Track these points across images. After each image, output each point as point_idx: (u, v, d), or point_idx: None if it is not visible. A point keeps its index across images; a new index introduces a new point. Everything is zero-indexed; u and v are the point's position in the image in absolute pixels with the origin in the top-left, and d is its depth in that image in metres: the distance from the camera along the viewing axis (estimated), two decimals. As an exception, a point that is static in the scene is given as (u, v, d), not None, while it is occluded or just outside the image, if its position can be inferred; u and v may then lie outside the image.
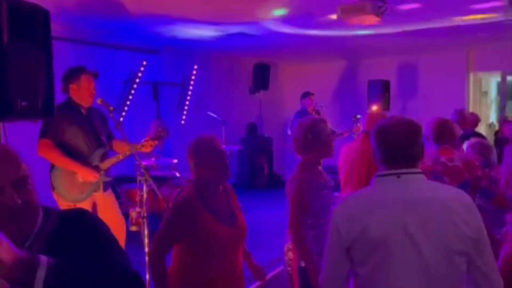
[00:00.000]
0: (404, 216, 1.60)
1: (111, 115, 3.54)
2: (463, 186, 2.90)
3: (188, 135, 7.67)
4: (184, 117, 7.87)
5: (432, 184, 1.74)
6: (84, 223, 1.33)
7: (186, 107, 7.90)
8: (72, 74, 3.59)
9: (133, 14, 5.15)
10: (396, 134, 1.70)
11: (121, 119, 6.64)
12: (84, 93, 3.59)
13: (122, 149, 3.72)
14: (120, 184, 5.82)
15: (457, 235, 1.57)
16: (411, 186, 1.66)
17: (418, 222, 1.59)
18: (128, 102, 6.86)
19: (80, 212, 1.41)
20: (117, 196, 4.48)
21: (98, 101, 3.52)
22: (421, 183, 1.68)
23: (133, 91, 6.90)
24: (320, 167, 2.76)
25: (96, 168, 3.60)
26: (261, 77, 8.84)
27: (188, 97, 7.91)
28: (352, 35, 6.52)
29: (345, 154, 3.68)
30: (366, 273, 1.66)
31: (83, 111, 3.63)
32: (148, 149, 3.78)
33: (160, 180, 5.69)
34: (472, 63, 8.48)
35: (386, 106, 7.57)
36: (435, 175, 2.85)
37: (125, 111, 6.81)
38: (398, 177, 1.67)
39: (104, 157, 3.69)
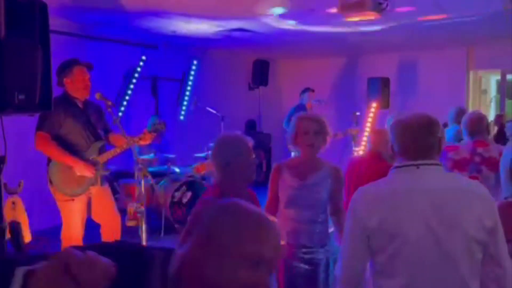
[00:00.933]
0: (423, 205, 1.64)
1: (109, 110, 3.52)
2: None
3: (187, 130, 7.62)
4: (183, 112, 7.85)
5: (449, 175, 1.81)
6: None
7: (185, 103, 7.88)
8: (65, 67, 3.54)
9: (132, 9, 5.13)
10: (416, 125, 1.76)
11: (120, 114, 6.62)
12: (78, 86, 3.54)
13: (119, 142, 3.70)
14: (118, 179, 5.80)
15: (474, 224, 1.61)
16: (430, 176, 1.71)
17: (436, 211, 1.63)
18: (127, 98, 6.84)
19: None
20: (115, 192, 4.47)
21: (97, 96, 3.50)
22: (439, 173, 1.73)
23: (132, 86, 6.88)
24: (310, 162, 2.78)
25: (94, 162, 3.58)
26: (261, 73, 8.82)
27: (187, 93, 7.90)
28: (352, 32, 6.50)
29: (351, 169, 3.65)
30: (384, 261, 1.69)
31: (80, 105, 3.61)
32: (146, 141, 3.76)
33: (158, 175, 5.68)
34: (472, 61, 8.46)
35: (386, 104, 7.55)
36: (473, 165, 3.06)
37: (124, 106, 6.80)
38: (417, 167, 1.71)
39: (101, 151, 3.67)
